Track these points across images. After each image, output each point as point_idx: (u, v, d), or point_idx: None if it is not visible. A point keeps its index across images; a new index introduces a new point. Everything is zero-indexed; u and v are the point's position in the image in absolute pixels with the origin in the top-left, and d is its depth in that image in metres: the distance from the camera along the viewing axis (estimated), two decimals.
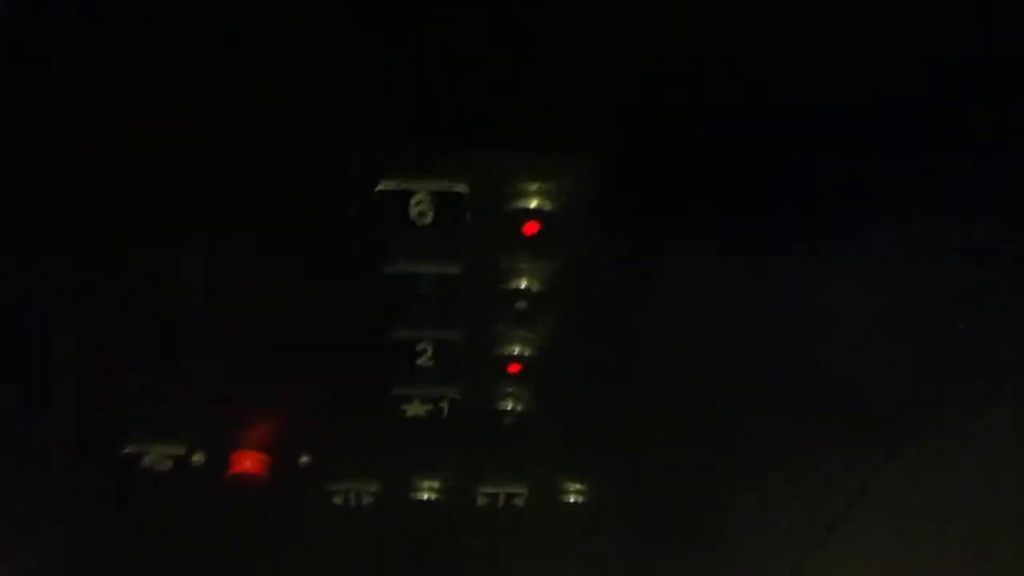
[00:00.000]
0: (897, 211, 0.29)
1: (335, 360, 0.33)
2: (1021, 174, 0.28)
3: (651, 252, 0.30)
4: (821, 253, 0.30)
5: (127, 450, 0.36)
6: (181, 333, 0.32)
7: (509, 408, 0.35)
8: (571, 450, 0.38)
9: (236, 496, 0.37)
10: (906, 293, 0.32)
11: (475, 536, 0.43)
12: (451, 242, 0.28)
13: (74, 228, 0.28)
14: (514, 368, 0.33)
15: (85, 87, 0.24)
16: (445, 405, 0.35)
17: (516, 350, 0.33)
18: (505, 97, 0.25)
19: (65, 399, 0.33)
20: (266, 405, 0.36)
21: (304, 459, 0.37)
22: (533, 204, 0.28)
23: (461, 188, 0.27)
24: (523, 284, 0.30)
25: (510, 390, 0.35)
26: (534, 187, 0.27)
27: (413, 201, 0.27)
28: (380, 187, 0.27)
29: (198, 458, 0.36)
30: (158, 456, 0.36)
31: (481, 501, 0.40)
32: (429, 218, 0.27)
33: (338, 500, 0.39)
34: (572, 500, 0.40)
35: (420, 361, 0.32)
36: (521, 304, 0.30)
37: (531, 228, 0.28)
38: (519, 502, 0.40)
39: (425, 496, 0.39)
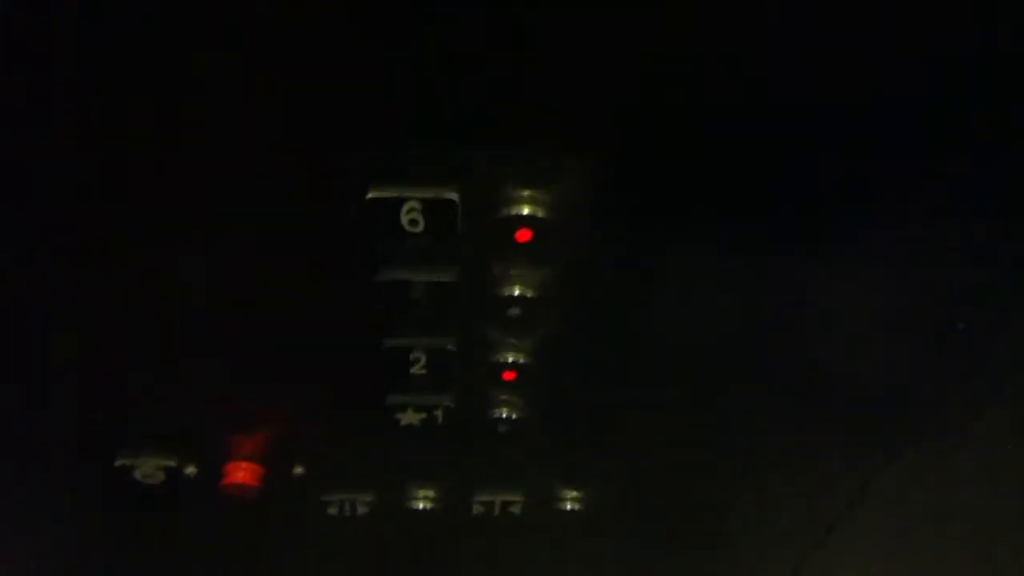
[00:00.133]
0: (897, 211, 0.29)
1: (328, 369, 0.33)
2: (1021, 174, 0.28)
3: (651, 252, 0.30)
4: (821, 253, 0.30)
5: (119, 463, 0.35)
6: (171, 340, 0.31)
7: (504, 416, 0.35)
8: (568, 456, 0.38)
9: (231, 507, 0.37)
10: (906, 293, 0.32)
11: (471, 544, 0.43)
12: (443, 250, 0.28)
13: (74, 228, 0.27)
14: (509, 375, 0.33)
15: (85, 87, 0.24)
16: (440, 413, 0.35)
17: (510, 357, 0.33)
18: (505, 97, 0.25)
19: (63, 400, 0.33)
20: (259, 415, 0.35)
21: (298, 469, 0.37)
22: (525, 211, 0.27)
23: (452, 195, 0.27)
24: (516, 291, 0.30)
25: (505, 397, 0.35)
26: (526, 194, 0.27)
27: (404, 209, 0.27)
28: (371, 195, 0.27)
29: (190, 470, 0.36)
30: (150, 469, 0.36)
31: (477, 509, 0.40)
32: (421, 226, 0.27)
33: (333, 510, 0.39)
34: (569, 508, 0.40)
35: (414, 369, 0.32)
36: (515, 311, 0.30)
37: (524, 235, 0.28)
38: (515, 510, 0.40)
39: (421, 505, 0.39)
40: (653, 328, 0.33)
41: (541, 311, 0.30)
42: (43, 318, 0.30)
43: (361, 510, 0.39)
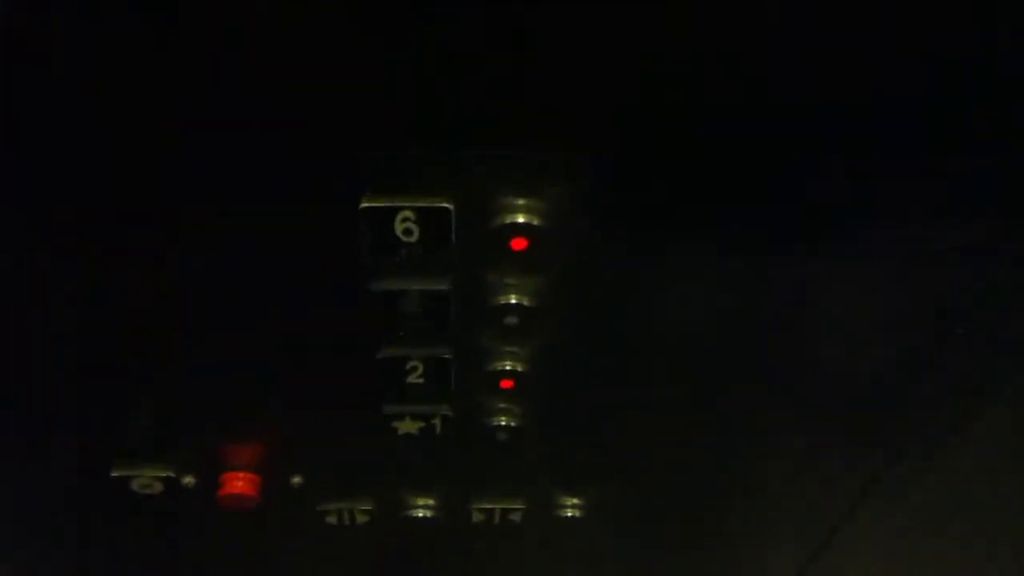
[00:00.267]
0: (897, 211, 0.29)
1: (325, 378, 0.33)
2: (1021, 174, 0.28)
3: (651, 252, 0.30)
4: (821, 253, 0.30)
5: (116, 473, 0.35)
6: (168, 349, 0.31)
7: (503, 424, 0.35)
8: (568, 462, 0.38)
9: (229, 517, 0.37)
10: (906, 293, 0.32)
11: (472, 553, 0.43)
12: (438, 259, 0.28)
13: (72, 232, 0.27)
14: (506, 383, 0.33)
15: (85, 87, 0.24)
16: (438, 422, 0.34)
17: (508, 365, 0.32)
18: (505, 97, 0.25)
19: (60, 411, 0.33)
20: (256, 425, 0.35)
21: (296, 479, 0.37)
22: (520, 219, 0.27)
23: (447, 204, 0.27)
24: (512, 300, 0.30)
25: (503, 406, 0.34)
26: (521, 202, 0.27)
27: (399, 218, 0.27)
28: (365, 204, 0.26)
29: (188, 480, 0.36)
30: (147, 479, 0.35)
31: (477, 517, 0.40)
32: (415, 235, 0.27)
33: (332, 520, 0.39)
34: (569, 515, 0.40)
35: (411, 379, 0.32)
36: (511, 319, 0.30)
37: (519, 244, 0.28)
38: (516, 517, 0.40)
39: (420, 514, 0.39)
40: (652, 329, 0.33)
41: (538, 319, 0.30)
42: (40, 326, 0.30)
43: (360, 519, 0.39)
